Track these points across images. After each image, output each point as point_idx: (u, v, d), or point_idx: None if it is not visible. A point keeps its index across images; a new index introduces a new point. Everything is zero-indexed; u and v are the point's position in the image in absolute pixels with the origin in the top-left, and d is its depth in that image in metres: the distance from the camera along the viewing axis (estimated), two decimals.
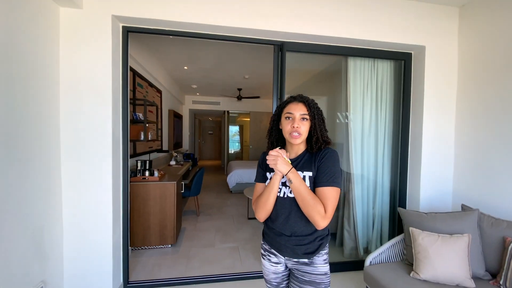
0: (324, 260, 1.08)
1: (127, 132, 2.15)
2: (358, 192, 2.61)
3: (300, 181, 0.99)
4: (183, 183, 3.50)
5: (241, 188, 5.62)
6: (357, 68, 2.52)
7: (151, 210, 2.86)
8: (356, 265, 2.48)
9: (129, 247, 2.65)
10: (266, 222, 1.15)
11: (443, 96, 2.30)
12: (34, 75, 1.57)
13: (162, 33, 2.08)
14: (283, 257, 1.11)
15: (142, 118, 3.34)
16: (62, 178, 1.84)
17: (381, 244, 2.53)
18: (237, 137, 12.74)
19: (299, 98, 1.09)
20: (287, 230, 1.06)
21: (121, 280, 2.10)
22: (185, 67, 4.83)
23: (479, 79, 2.10)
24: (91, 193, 1.88)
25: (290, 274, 1.14)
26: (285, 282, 1.15)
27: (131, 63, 3.29)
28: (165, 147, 5.55)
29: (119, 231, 2.06)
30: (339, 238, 2.86)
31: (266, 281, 1.19)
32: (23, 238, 1.48)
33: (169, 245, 2.95)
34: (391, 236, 2.58)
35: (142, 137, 3.29)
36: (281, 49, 2.25)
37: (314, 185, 1.03)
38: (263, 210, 1.08)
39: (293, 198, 1.04)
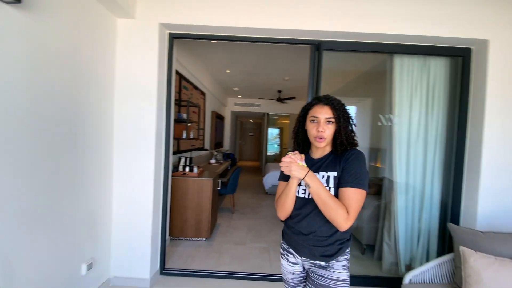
0: (343, 266, 1.03)
1: (169, 130, 2.33)
2: (401, 203, 2.38)
3: (318, 184, 0.95)
4: (219, 180, 3.64)
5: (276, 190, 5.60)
6: (404, 67, 2.31)
7: (189, 203, 3.04)
8: (395, 282, 2.24)
9: (168, 236, 2.87)
10: (286, 221, 1.14)
11: (510, 97, 1.96)
12: (95, 76, 1.82)
13: (204, 37, 2.22)
14: (300, 258, 1.09)
15: (185, 118, 3.59)
16: (113, 168, 2.08)
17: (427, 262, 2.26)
18: (277, 140, 12.75)
19: (325, 101, 1.05)
20: (305, 229, 1.04)
21: (158, 266, 2.28)
22: (227, 70, 5.04)
23: None
24: (135, 183, 2.08)
25: (307, 277, 1.10)
26: (302, 284, 1.12)
27: (178, 67, 3.57)
28: (206, 146, 5.85)
29: (158, 220, 2.24)
30: (377, 251, 2.64)
31: (284, 281, 1.17)
32: (79, 220, 1.72)
33: (204, 239, 3.09)
34: (439, 255, 2.29)
35: (184, 136, 3.52)
36: (318, 48, 2.19)
37: (338, 185, 0.99)
38: (282, 210, 1.08)
39: None
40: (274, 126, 12.12)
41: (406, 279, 1.72)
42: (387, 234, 2.48)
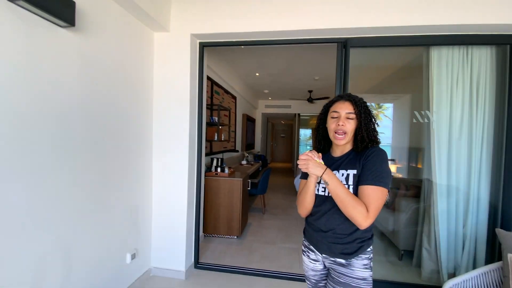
0: (365, 265, 1.01)
1: (201, 133, 2.49)
2: (442, 206, 2.20)
3: (337, 182, 0.95)
4: (249, 181, 3.74)
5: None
6: (442, 59, 2.15)
7: (221, 202, 3.18)
8: None
9: (202, 233, 3.04)
10: (306, 218, 1.16)
11: None
12: (139, 81, 2.05)
13: (233, 44, 2.33)
14: (320, 255, 1.10)
15: (217, 121, 3.76)
16: (152, 169, 2.28)
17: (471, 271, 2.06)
18: (310, 141, 12.50)
19: (346, 97, 1.06)
20: (324, 226, 1.05)
21: (193, 260, 2.44)
22: (257, 74, 5.14)
23: None
24: (171, 183, 2.26)
25: (328, 274, 1.11)
26: (323, 281, 1.13)
27: (209, 73, 3.77)
28: (237, 148, 6.02)
29: (192, 217, 2.40)
30: (416, 257, 2.47)
31: (306, 277, 1.19)
32: (124, 213, 1.93)
33: (235, 237, 3.21)
34: (488, 263, 2.06)
35: (216, 138, 3.70)
36: (344, 46, 2.15)
37: (358, 183, 0.98)
38: (302, 208, 1.11)
39: None
40: (306, 127, 11.92)
41: (446, 287, 1.59)
42: (427, 240, 2.32)
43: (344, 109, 1.03)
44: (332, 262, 1.06)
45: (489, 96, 2.09)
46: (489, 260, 2.07)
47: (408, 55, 2.70)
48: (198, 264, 2.47)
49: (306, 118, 10.92)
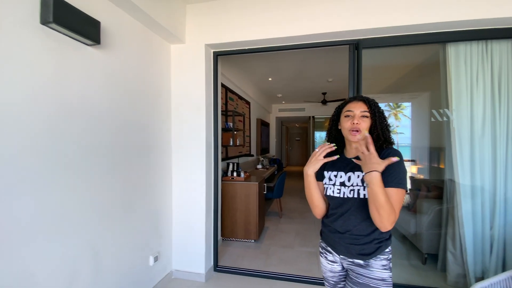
0: (384, 266, 1.00)
1: (217, 139, 2.56)
2: (466, 207, 2.12)
3: (381, 187, 0.91)
4: (265, 185, 3.76)
5: None
6: (460, 55, 2.09)
7: (238, 206, 3.23)
8: None
9: (220, 237, 3.09)
10: (322, 220, 1.17)
11: None
12: (158, 93, 2.16)
13: (245, 52, 2.40)
14: (338, 256, 1.10)
15: (232, 127, 3.84)
16: (172, 176, 2.38)
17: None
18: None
19: (359, 97, 1.08)
20: (341, 227, 1.06)
21: (212, 263, 2.49)
22: (270, 79, 5.20)
23: None
24: (189, 187, 2.34)
25: (346, 276, 1.11)
26: (342, 283, 1.13)
27: (223, 80, 3.87)
28: (252, 152, 6.07)
29: (210, 221, 2.46)
30: (441, 260, 2.38)
31: (324, 279, 1.19)
32: (147, 218, 2.03)
33: (252, 240, 3.23)
34: None
35: (231, 143, 3.77)
36: (356, 47, 2.15)
37: None
38: (313, 207, 1.14)
39: (352, 198, 1.02)
40: (320, 129, 11.79)
41: None
42: (452, 242, 2.23)
43: (358, 108, 1.04)
44: (350, 263, 1.07)
45: None
46: None
47: (423, 53, 2.65)
48: (217, 267, 2.52)
49: (320, 121, 10.82)
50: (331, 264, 1.14)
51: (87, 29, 1.41)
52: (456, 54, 2.09)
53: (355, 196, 1.02)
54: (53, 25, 1.25)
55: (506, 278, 1.52)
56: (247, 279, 2.38)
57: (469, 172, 2.09)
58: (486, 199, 2.08)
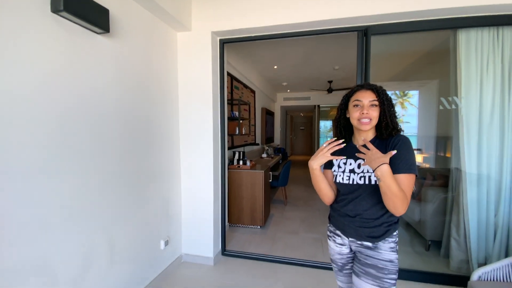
0: (391, 248, 1.04)
1: (224, 128, 2.58)
2: (472, 195, 2.14)
3: (392, 179, 0.92)
4: (270, 173, 3.81)
5: None
6: (471, 42, 2.05)
7: (244, 194, 3.30)
8: (462, 280, 2.06)
9: (227, 223, 3.18)
10: (332, 205, 1.21)
11: None
12: (166, 81, 2.18)
13: (252, 39, 2.38)
14: (347, 239, 1.13)
15: (237, 116, 3.85)
16: (180, 164, 2.42)
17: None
18: (331, 133, 12.29)
19: (367, 86, 1.08)
20: (351, 212, 1.09)
21: (220, 247, 2.58)
22: (275, 66, 5.14)
23: None
24: (197, 175, 2.40)
25: (354, 257, 1.15)
26: (350, 264, 1.17)
27: (229, 69, 3.85)
28: (258, 141, 6.10)
29: (218, 208, 2.53)
30: (444, 247, 2.42)
31: (332, 261, 1.24)
32: (157, 205, 2.09)
33: (258, 226, 3.32)
34: None
35: (237, 132, 3.80)
36: (365, 34, 2.12)
37: None
38: (321, 195, 1.18)
39: (364, 185, 1.04)
40: (326, 118, 11.71)
41: (475, 276, 1.58)
42: (455, 229, 2.26)
43: (367, 98, 1.05)
44: (359, 245, 1.10)
45: None
46: None
47: (433, 39, 2.59)
48: (225, 251, 2.61)
49: (326, 110, 10.73)
50: (339, 247, 1.18)
51: (96, 17, 1.42)
52: (467, 40, 2.05)
53: (366, 182, 1.04)
54: (64, 13, 1.27)
55: (508, 264, 1.56)
56: (253, 262, 2.46)
57: (476, 160, 2.10)
58: (492, 187, 2.09)
